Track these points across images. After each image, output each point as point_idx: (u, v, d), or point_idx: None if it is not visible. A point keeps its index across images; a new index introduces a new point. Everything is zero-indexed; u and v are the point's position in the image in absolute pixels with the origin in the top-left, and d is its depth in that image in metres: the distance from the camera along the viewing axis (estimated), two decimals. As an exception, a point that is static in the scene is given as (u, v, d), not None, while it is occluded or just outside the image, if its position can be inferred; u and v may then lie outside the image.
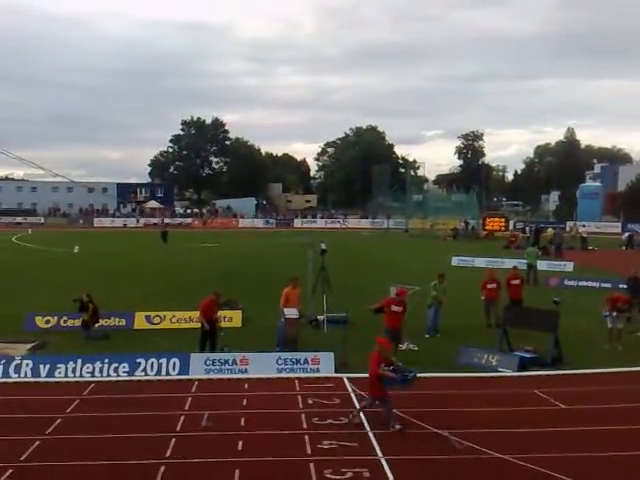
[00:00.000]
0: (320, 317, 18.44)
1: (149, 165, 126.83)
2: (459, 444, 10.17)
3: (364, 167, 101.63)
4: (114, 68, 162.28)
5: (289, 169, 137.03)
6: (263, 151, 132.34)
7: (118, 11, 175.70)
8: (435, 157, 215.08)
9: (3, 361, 13.85)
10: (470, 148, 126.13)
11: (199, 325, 15.88)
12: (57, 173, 19.20)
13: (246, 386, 13.39)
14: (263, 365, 14.21)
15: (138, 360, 14.06)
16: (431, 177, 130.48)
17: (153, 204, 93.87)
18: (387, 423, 10.84)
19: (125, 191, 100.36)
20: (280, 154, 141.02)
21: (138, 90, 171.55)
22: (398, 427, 10.73)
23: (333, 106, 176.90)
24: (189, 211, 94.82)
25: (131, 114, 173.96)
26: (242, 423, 11.14)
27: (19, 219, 78.83)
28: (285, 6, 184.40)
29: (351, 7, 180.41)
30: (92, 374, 13.77)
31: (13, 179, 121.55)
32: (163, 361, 14.10)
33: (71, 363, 13.84)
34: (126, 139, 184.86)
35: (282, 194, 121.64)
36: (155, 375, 13.93)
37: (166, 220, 73.00)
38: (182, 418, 11.39)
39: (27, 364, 13.78)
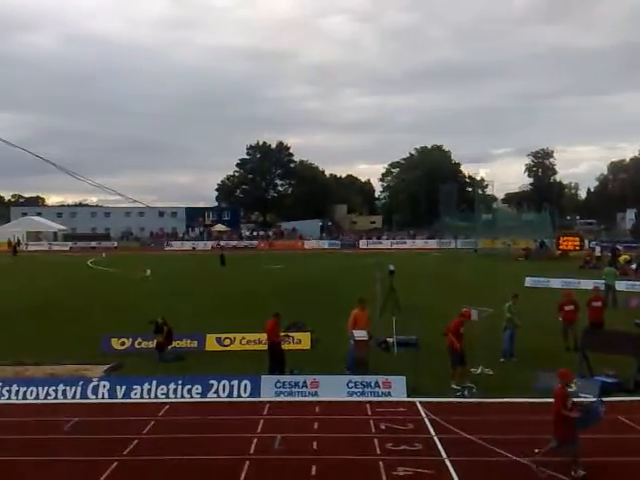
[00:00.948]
0: (389, 339, 18.18)
1: (216, 189, 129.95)
2: (542, 472, 9.74)
3: (429, 187, 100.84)
4: (183, 95, 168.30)
5: (353, 190, 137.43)
6: (327, 173, 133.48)
7: (186, 40, 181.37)
8: (504, 175, 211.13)
9: (81, 382, 14.23)
10: (540, 166, 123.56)
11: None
12: (134, 199, 19.96)
13: (317, 409, 13.27)
14: (333, 388, 14.07)
15: (210, 382, 14.18)
16: (500, 196, 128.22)
17: (220, 227, 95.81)
18: (570, 467, 9.79)
19: (194, 215, 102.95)
20: (344, 175, 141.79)
21: (206, 117, 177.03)
22: (582, 474, 9.63)
23: (397, 126, 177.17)
24: (255, 233, 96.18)
25: (199, 140, 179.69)
26: (315, 447, 11.04)
27: (93, 243, 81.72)
28: (348, 29, 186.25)
29: (415, 27, 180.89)
30: (166, 395, 13.97)
31: (87, 205, 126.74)
32: (234, 383, 14.16)
33: (146, 384, 14.08)
34: (194, 164, 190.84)
35: (347, 215, 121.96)
36: (227, 397, 14.00)
37: (222, 243, 74.27)
38: (255, 441, 11.37)
39: (104, 385, 14.10)
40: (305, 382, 14.14)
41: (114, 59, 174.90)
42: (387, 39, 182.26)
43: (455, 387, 14.31)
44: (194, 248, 78.13)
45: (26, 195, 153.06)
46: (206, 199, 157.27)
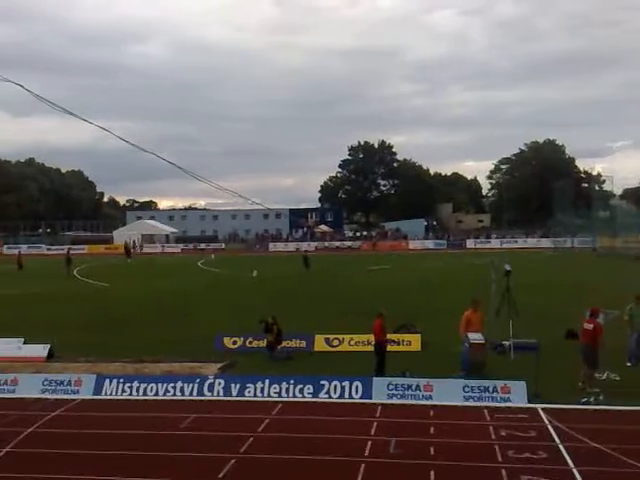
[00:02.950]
0: (506, 343, 17.41)
1: (319, 190, 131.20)
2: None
3: (542, 183, 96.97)
4: (285, 99, 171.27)
5: (459, 188, 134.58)
6: (432, 171, 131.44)
7: (291, 42, 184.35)
8: (623, 170, 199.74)
9: (197, 380, 14.56)
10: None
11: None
12: (254, 201, 20.41)
13: (431, 413, 12.87)
14: (448, 392, 13.61)
15: (322, 382, 14.09)
16: (618, 191, 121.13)
17: (323, 228, 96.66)
18: None
19: (297, 216, 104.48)
20: (449, 174, 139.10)
21: (308, 119, 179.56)
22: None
23: (506, 121, 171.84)
24: (358, 234, 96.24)
25: (302, 142, 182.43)
26: (432, 452, 10.67)
27: (202, 245, 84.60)
28: (454, 23, 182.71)
29: (524, 19, 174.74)
30: (279, 394, 14.03)
31: (197, 208, 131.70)
32: (346, 384, 14.01)
33: (259, 383, 14.21)
34: (297, 166, 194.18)
35: (452, 214, 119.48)
36: (338, 398, 13.87)
37: (304, 247, 74.33)
38: (369, 443, 11.16)
39: (219, 383, 14.35)
40: (418, 385, 13.76)
41: (221, 65, 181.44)
42: (495, 32, 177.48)
43: (591, 391, 13.45)
44: (298, 249, 79.07)
45: (140, 200, 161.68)
46: (309, 200, 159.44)
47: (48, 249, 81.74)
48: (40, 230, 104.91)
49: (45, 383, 14.72)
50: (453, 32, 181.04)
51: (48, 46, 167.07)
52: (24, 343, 19.05)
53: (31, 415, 12.76)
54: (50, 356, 18.34)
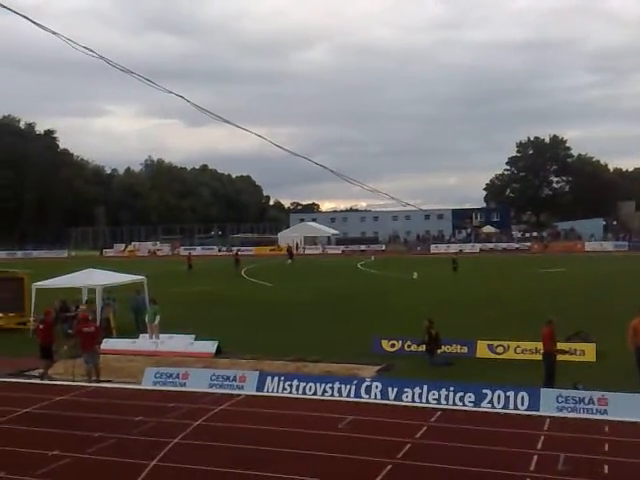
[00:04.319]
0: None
1: (484, 189, 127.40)
2: None
3: None
4: (449, 95, 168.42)
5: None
6: (611, 167, 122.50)
7: (456, 38, 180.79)
8: None
9: (355, 382, 14.51)
10: None
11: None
12: (407, 202, 20.07)
13: (606, 429, 11.73)
14: (626, 407, 12.35)
15: (484, 391, 13.43)
16: None
17: (489, 229, 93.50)
18: None
19: (460, 217, 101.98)
20: (631, 169, 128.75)
21: (471, 115, 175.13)
22: None
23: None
24: (527, 235, 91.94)
25: (465, 139, 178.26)
26: (605, 471, 9.74)
27: (363, 247, 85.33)
28: (637, 9, 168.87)
29: None
30: (438, 401, 13.57)
31: (357, 210, 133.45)
32: (510, 394, 13.23)
33: (417, 388, 13.84)
34: (460, 165, 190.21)
35: (635, 213, 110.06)
36: (502, 408, 13.13)
37: (457, 249, 71.56)
38: (535, 457, 10.40)
39: (377, 386, 14.17)
40: (592, 398, 12.66)
41: (384, 66, 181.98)
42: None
43: None
44: (461, 250, 77.01)
45: (303, 202, 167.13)
46: (473, 200, 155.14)
47: (219, 250, 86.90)
48: (212, 232, 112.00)
49: (213, 378, 15.43)
50: (635, 18, 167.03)
51: (220, 58, 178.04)
52: (195, 339, 20.27)
53: (199, 408, 13.41)
54: (218, 352, 19.30)
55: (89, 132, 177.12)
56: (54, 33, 10.72)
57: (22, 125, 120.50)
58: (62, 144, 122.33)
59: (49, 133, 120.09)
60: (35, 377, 16.92)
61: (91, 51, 10.97)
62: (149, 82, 11.69)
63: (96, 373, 16.26)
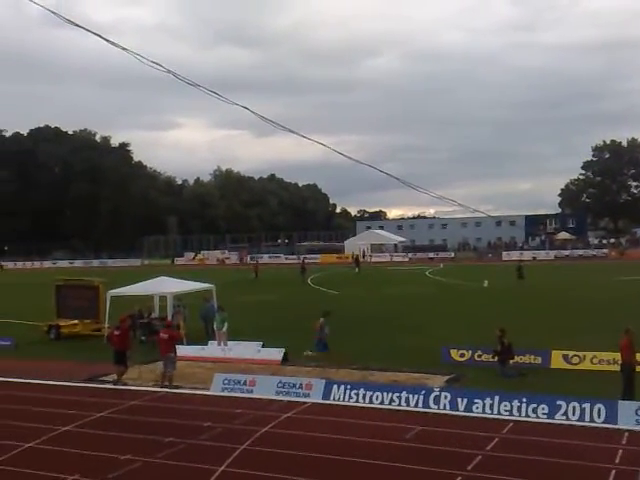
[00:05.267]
0: None
1: (559, 195, 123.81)
2: None
3: None
4: (522, 99, 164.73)
5: None
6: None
7: (528, 41, 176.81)
8: None
9: (423, 392, 14.22)
10: None
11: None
12: (474, 208, 19.56)
13: (691, 445, 11.10)
14: None
15: (558, 402, 12.91)
16: None
17: (564, 235, 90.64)
18: None
19: (534, 223, 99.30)
20: None
21: (545, 118, 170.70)
22: None
23: None
24: (605, 241, 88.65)
25: (538, 144, 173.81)
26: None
27: (431, 254, 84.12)
28: None
29: None
30: (510, 412, 13.14)
31: (425, 217, 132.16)
32: (586, 406, 12.68)
33: (488, 399, 13.45)
34: (534, 170, 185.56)
35: None
36: (577, 421, 12.61)
37: (520, 257, 68.95)
38: (613, 472, 9.97)
39: (445, 396, 13.85)
40: (675, 413, 11.98)
41: (454, 70, 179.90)
42: None
43: None
44: (534, 258, 74.86)
45: (370, 210, 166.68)
46: (547, 206, 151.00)
47: (286, 258, 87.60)
48: (279, 241, 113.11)
49: (279, 385, 15.46)
50: None
51: (288, 67, 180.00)
52: (262, 347, 20.41)
53: (266, 415, 13.45)
54: (285, 359, 19.36)
55: (161, 144, 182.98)
56: (124, 49, 11.08)
57: (98, 138, 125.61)
58: (136, 156, 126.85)
59: (123, 146, 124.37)
60: (109, 382, 17.42)
61: (160, 65, 11.27)
62: (214, 94, 11.88)
63: (168, 379, 16.55)
